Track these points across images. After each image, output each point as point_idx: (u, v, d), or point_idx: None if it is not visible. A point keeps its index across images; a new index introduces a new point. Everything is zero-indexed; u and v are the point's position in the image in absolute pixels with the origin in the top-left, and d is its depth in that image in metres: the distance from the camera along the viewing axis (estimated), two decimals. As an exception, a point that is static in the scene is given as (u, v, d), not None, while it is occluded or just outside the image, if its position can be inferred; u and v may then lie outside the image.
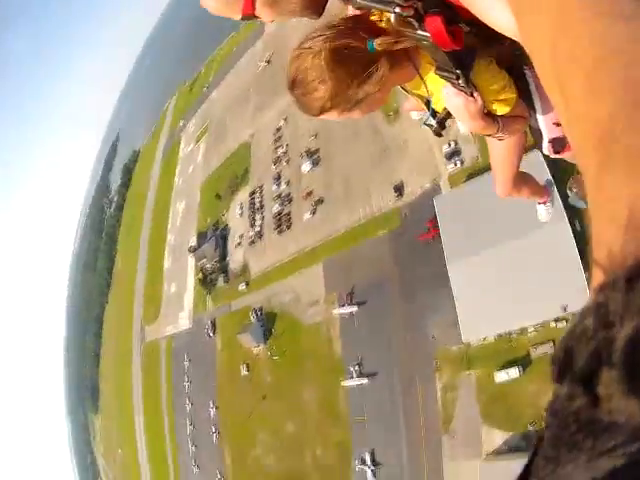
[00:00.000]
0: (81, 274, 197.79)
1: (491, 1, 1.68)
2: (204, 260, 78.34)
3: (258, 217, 67.29)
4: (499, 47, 2.35)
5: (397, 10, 1.99)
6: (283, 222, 61.61)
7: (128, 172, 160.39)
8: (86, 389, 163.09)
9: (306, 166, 59.04)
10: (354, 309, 47.66)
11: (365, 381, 45.50)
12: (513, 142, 3.16)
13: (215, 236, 76.72)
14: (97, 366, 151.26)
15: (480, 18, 1.79)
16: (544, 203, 4.80)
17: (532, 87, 2.82)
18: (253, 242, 67.15)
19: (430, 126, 2.92)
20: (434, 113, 2.86)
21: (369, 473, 43.42)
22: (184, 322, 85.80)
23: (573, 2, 0.64)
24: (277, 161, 66.50)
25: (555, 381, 0.42)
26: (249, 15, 2.30)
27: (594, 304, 0.41)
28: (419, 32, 2.06)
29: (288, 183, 62.91)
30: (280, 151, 66.26)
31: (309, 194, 57.86)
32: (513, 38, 1.58)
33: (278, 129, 67.86)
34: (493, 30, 1.92)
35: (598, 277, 0.43)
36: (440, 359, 38.39)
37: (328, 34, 2.32)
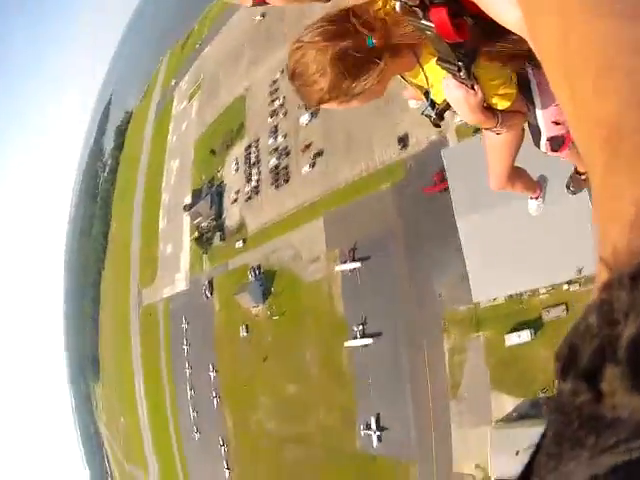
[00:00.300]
0: (77, 240, 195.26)
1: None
2: (200, 218, 75.14)
3: (254, 172, 64.01)
4: (503, 42, 2.31)
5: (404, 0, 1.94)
6: (281, 176, 58.25)
7: (121, 134, 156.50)
8: (86, 357, 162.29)
9: (304, 118, 55.35)
10: (357, 266, 44.40)
11: (369, 342, 42.76)
12: (510, 137, 3.18)
13: (210, 193, 73.49)
14: (96, 333, 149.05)
15: (486, 12, 1.74)
16: (536, 198, 5.19)
17: (533, 84, 2.85)
18: (250, 198, 63.97)
19: (429, 117, 2.92)
20: (433, 104, 2.86)
21: (374, 438, 41.24)
22: (181, 283, 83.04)
23: (581, 3, 0.63)
24: (274, 114, 62.86)
25: (559, 377, 0.42)
26: (260, 3, 2.38)
27: (598, 302, 0.41)
28: (423, 22, 2.07)
29: (285, 136, 59.47)
30: (277, 103, 62.66)
31: (308, 146, 54.34)
32: (518, 33, 1.60)
33: (274, 81, 64.02)
34: (498, 25, 1.93)
35: (602, 275, 0.43)
36: (448, 319, 35.63)
37: (329, 29, 2.34)
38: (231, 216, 68.73)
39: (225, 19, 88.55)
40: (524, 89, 2.85)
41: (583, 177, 5.19)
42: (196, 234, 76.46)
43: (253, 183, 63.76)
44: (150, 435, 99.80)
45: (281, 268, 55.85)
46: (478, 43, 2.27)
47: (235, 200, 67.82)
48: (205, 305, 71.88)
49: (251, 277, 59.80)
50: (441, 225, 35.46)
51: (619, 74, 0.53)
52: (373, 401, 41.92)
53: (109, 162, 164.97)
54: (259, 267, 59.68)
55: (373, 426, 41.40)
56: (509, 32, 1.97)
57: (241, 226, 65.17)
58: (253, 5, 2.36)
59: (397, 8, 2.12)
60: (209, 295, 71.16)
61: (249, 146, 67.06)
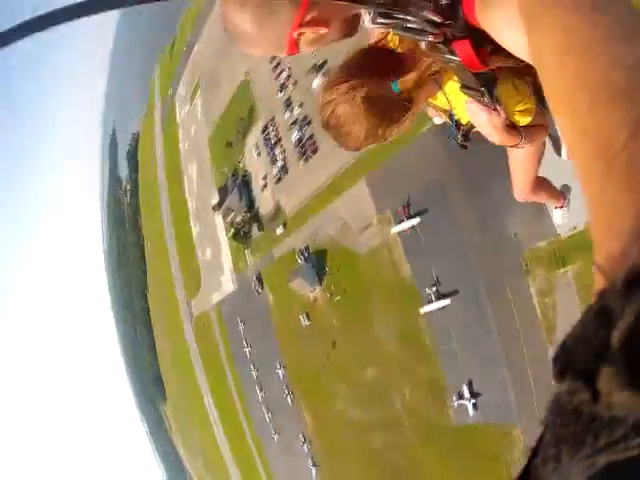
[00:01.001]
0: (116, 271, 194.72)
1: (507, 25, 1.67)
2: (232, 214, 70.53)
3: (278, 151, 59.20)
4: (520, 64, 2.20)
5: (430, 38, 2.00)
6: (307, 148, 53.41)
7: (133, 157, 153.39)
8: (150, 380, 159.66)
9: (317, 81, 49.89)
10: (415, 222, 38.71)
11: (446, 302, 37.41)
12: (532, 150, 3.28)
13: (237, 186, 68.73)
14: (155, 355, 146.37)
15: (498, 41, 1.79)
16: (560, 207, 4.98)
17: None
18: (280, 179, 59.15)
19: (455, 139, 3.11)
20: (457, 125, 3.00)
21: (470, 407, 36.54)
22: (228, 285, 78.59)
23: (578, 24, 0.68)
24: (283, 87, 58.15)
25: (556, 379, 0.42)
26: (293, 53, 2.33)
27: (594, 307, 0.42)
28: (448, 56, 2.09)
29: (301, 105, 54.61)
30: (283, 76, 58.03)
31: (329, 109, 48.38)
32: (526, 60, 1.62)
33: (274, 56, 58.07)
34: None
35: (598, 283, 0.45)
36: (529, 260, 30.04)
37: (355, 82, 2.38)
38: (264, 203, 64.07)
39: (206, 13, 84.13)
40: (544, 103, 2.85)
41: None
42: (232, 231, 71.83)
43: (279, 163, 59.09)
44: (228, 446, 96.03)
45: (331, 244, 50.95)
46: (498, 68, 2.26)
47: (264, 186, 63.14)
48: (258, 301, 67.35)
49: (301, 261, 55.16)
50: (498, 158, 29.95)
51: (614, 91, 0.55)
52: (462, 367, 37.01)
53: (128, 187, 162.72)
54: (307, 248, 54.89)
55: (466, 394, 36.73)
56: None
57: (278, 210, 60.53)
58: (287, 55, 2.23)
59: (422, 47, 2.09)
60: (260, 290, 66.60)
61: (265, 127, 62.52)
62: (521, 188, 3.86)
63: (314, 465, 61.53)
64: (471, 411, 36.55)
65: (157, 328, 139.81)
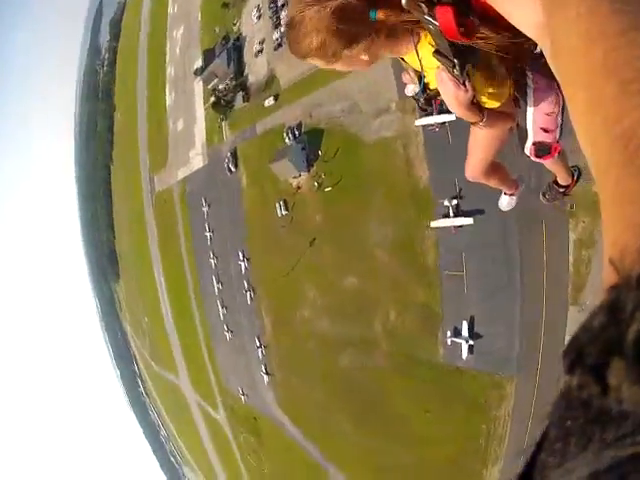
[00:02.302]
0: (84, 141, 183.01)
1: (519, 1, 1.55)
2: (215, 81, 60.75)
3: (284, 14, 48.72)
4: (506, 46, 2.27)
5: None
6: (320, 9, 42.25)
7: (116, 25, 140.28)
8: (105, 257, 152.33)
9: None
10: (447, 118, 28.45)
11: (467, 222, 30.01)
12: (494, 134, 3.14)
13: (227, 49, 58.72)
14: (112, 231, 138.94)
15: (503, 14, 1.63)
16: (510, 195, 4.68)
17: (530, 89, 2.85)
18: (280, 45, 49.22)
19: (417, 100, 2.96)
20: (424, 88, 2.85)
21: (464, 347, 30.80)
22: (197, 160, 69.69)
23: (607, 9, 0.65)
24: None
25: (566, 373, 0.42)
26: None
27: (606, 301, 0.41)
28: (427, 17, 2.03)
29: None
30: None
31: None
32: (534, 39, 1.51)
33: None
34: (502, 28, 1.98)
35: (611, 277, 0.43)
36: (577, 200, 21.96)
37: None
38: (256, 70, 54.35)
39: None
40: (521, 92, 2.84)
41: (562, 190, 4.92)
42: (212, 99, 61.93)
43: (283, 27, 48.58)
44: (176, 334, 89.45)
45: (331, 125, 41.75)
46: (477, 49, 2.21)
47: (260, 51, 53.54)
48: (229, 181, 58.34)
49: (289, 140, 45.90)
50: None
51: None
52: (466, 300, 30.68)
53: (107, 56, 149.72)
54: (299, 126, 45.59)
55: (464, 332, 30.70)
56: (514, 36, 1.96)
57: (271, 80, 51.02)
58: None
59: (403, 2, 2.00)
60: (233, 168, 57.43)
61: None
62: (472, 167, 3.50)
63: (267, 373, 54.55)
64: (465, 353, 30.74)
65: (117, 202, 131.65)
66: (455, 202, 30.26)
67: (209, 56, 63.02)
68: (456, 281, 30.89)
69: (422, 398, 33.49)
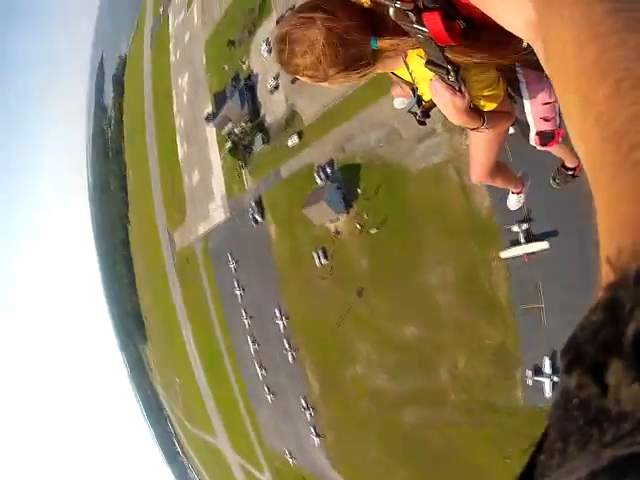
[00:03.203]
0: (98, 203, 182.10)
1: (507, 3, 1.50)
2: (229, 125, 55.23)
3: None
4: (494, 45, 2.27)
5: (397, 4, 1.94)
6: (337, 35, 36.68)
7: (118, 81, 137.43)
8: (130, 318, 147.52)
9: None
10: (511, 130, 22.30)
11: (541, 246, 25.25)
12: (492, 135, 3.10)
13: (238, 89, 53.28)
14: (135, 292, 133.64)
15: (490, 15, 1.59)
16: (517, 193, 4.63)
17: (522, 84, 2.87)
18: (297, 79, 42.45)
19: (414, 114, 2.90)
20: (420, 101, 2.81)
21: (547, 385, 26.15)
22: (218, 213, 63.98)
23: (599, 11, 0.65)
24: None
25: (564, 373, 0.41)
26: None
27: (603, 300, 0.40)
28: (416, 26, 2.02)
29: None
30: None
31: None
32: (524, 39, 1.43)
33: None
34: (489, 28, 1.93)
35: (608, 275, 0.43)
36: None
37: (339, 15, 2.23)
38: (274, 109, 48.81)
39: None
40: (514, 87, 2.85)
41: (570, 172, 4.81)
42: (229, 145, 56.44)
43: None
44: (211, 396, 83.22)
45: (368, 158, 35.90)
46: (468, 46, 2.18)
47: (275, 87, 48.12)
48: (256, 233, 52.40)
49: (321, 180, 40.19)
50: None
51: (634, 81, 0.53)
52: (546, 334, 25.25)
53: (113, 114, 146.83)
54: (331, 164, 39.74)
55: (546, 369, 25.84)
56: (501, 36, 1.81)
57: (291, 117, 45.44)
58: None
59: (391, 13, 1.99)
60: (259, 219, 51.65)
61: (282, 17, 46.60)
62: (477, 171, 3.46)
63: (317, 435, 48.47)
64: (548, 390, 25.50)
65: (137, 263, 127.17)
66: (525, 226, 25.47)
67: (220, 100, 57.88)
68: (533, 315, 25.84)
69: (500, 445, 28.09)
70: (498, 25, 1.49)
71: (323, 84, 2.45)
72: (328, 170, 39.49)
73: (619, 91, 0.53)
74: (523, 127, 3.29)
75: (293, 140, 44.35)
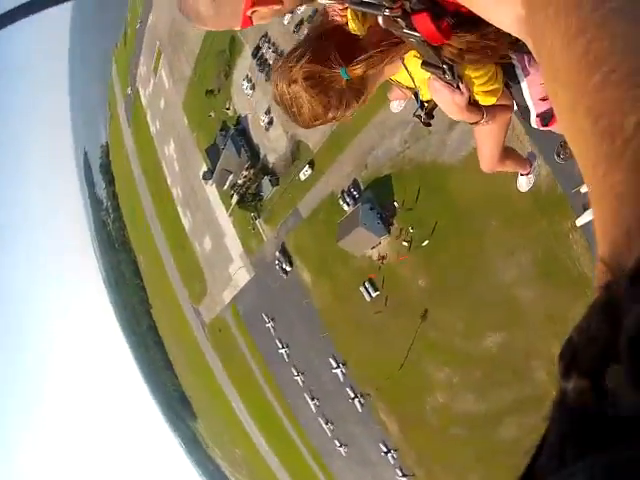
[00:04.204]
0: (117, 294, 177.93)
1: (493, 2, 1.51)
2: (230, 178, 50.60)
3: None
4: (485, 38, 2.17)
5: (386, 13, 1.87)
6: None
7: (106, 169, 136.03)
8: (174, 399, 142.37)
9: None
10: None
11: None
12: (498, 125, 3.06)
13: (230, 137, 48.76)
14: (174, 373, 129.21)
15: (477, 13, 1.60)
16: (527, 174, 4.68)
17: (518, 69, 2.84)
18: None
19: (419, 117, 2.86)
20: (422, 104, 2.79)
21: None
22: (241, 275, 58.85)
23: (587, 5, 0.63)
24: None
25: (561, 377, 0.40)
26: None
27: (599, 302, 0.39)
28: (407, 31, 1.95)
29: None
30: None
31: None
32: (514, 34, 1.47)
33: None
34: (478, 20, 1.78)
35: (603, 276, 0.41)
36: None
37: (304, 59, 2.16)
38: (274, 146, 44.26)
39: None
40: (509, 74, 2.81)
41: None
42: (234, 199, 51.86)
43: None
44: (277, 460, 76.52)
45: (397, 165, 30.92)
46: (461, 42, 2.11)
47: (269, 123, 43.83)
48: (288, 284, 47.18)
49: (349, 206, 35.10)
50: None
51: (626, 72, 0.51)
52: None
53: (109, 204, 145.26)
54: (356, 184, 34.67)
55: None
56: (490, 30, 1.95)
57: (296, 148, 40.82)
58: (241, 29, 2.13)
59: (380, 21, 1.93)
60: (287, 268, 46.48)
61: (257, 48, 44.35)
62: (487, 160, 3.43)
63: (404, 475, 42.24)
64: None
65: (169, 344, 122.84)
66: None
67: (213, 154, 53.44)
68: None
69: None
70: (485, 21, 1.43)
71: (343, 120, 2.31)
72: (354, 193, 34.42)
73: (609, 84, 0.52)
74: (523, 110, 3.11)
75: (305, 172, 39.44)
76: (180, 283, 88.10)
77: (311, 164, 38.45)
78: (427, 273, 31.29)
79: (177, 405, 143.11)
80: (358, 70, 2.15)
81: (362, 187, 33.80)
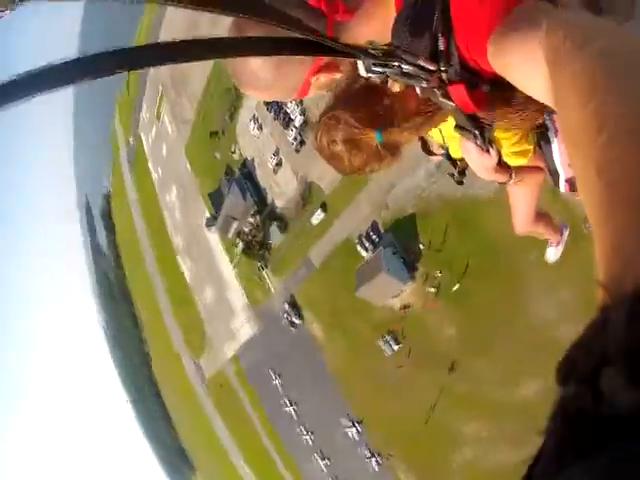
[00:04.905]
0: (117, 349, 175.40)
1: (528, 72, 1.45)
2: (235, 225, 47.10)
3: (291, 108, 37.92)
4: (518, 105, 2.10)
5: (424, 85, 1.87)
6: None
7: (108, 218, 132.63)
8: (174, 454, 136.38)
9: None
10: None
11: None
12: (529, 188, 3.18)
13: (234, 182, 45.37)
14: (174, 429, 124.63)
15: (512, 83, 1.57)
16: (555, 245, 4.54)
17: (551, 131, 2.85)
18: (302, 143, 36.90)
19: (452, 175, 2.97)
20: (454, 163, 2.81)
21: None
22: (245, 329, 55.02)
23: (599, 67, 0.70)
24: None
25: (559, 385, 0.41)
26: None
27: (597, 320, 0.41)
28: (442, 100, 1.91)
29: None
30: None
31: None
32: (544, 102, 1.40)
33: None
34: (513, 87, 1.75)
35: (603, 300, 0.43)
36: None
37: (342, 121, 2.09)
38: (282, 189, 40.93)
39: (159, 19, 64.04)
40: (542, 134, 2.82)
41: None
42: (239, 247, 48.25)
43: (297, 122, 36.95)
44: None
45: (422, 202, 27.98)
46: (495, 109, 2.06)
47: (278, 164, 40.59)
48: (297, 339, 43.44)
49: (367, 252, 31.60)
50: None
51: (624, 134, 0.56)
52: None
53: (110, 253, 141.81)
54: (375, 227, 31.29)
55: None
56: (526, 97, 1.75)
57: (307, 190, 37.37)
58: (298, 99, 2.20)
59: (417, 92, 1.93)
60: (297, 321, 42.65)
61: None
62: (520, 222, 3.49)
63: None
64: None
65: (169, 399, 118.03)
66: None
67: (217, 200, 49.87)
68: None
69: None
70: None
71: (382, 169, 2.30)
72: (374, 237, 31.05)
73: (612, 145, 0.56)
74: (553, 174, 3.06)
75: (317, 216, 36.03)
76: (180, 336, 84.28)
77: (324, 207, 35.18)
78: (456, 320, 28.04)
79: (175, 459, 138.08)
80: (395, 134, 2.08)
81: (382, 230, 30.52)
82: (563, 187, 3.09)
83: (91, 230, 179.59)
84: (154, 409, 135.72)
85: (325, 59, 1.91)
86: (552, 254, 4.60)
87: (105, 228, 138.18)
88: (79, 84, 0.95)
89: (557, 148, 2.86)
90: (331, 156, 2.14)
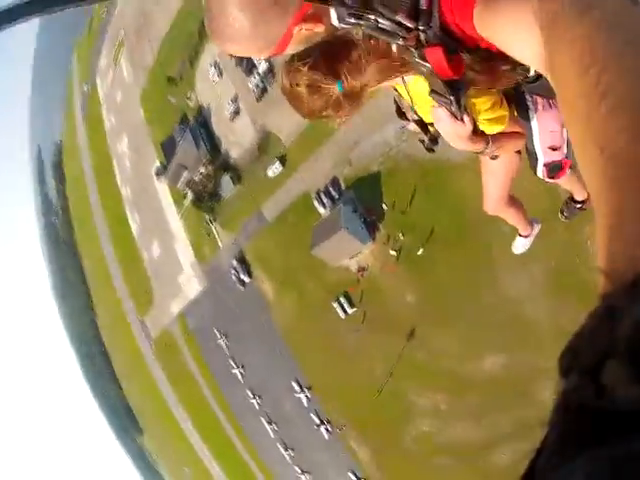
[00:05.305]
0: (62, 300, 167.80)
1: (516, 35, 1.44)
2: (185, 174, 44.60)
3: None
4: (498, 74, 2.19)
5: (400, 42, 1.90)
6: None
7: (58, 167, 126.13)
8: (121, 413, 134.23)
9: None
10: None
11: None
12: (505, 162, 3.06)
13: (189, 129, 42.87)
14: (119, 387, 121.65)
15: (500, 48, 1.58)
16: (525, 237, 4.46)
17: (531, 111, 2.77)
18: (264, 90, 34.86)
19: (422, 142, 2.82)
20: (425, 128, 2.71)
21: None
22: (191, 285, 52.81)
23: (597, 35, 0.68)
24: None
25: (561, 377, 0.41)
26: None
27: (599, 308, 0.40)
28: (418, 60, 1.94)
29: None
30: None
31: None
32: (535, 68, 1.56)
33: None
34: (493, 57, 1.92)
35: (604, 286, 0.43)
36: None
37: (307, 67, 2.14)
38: (238, 139, 38.61)
39: None
40: (523, 115, 2.74)
41: (578, 206, 4.53)
42: (189, 198, 45.84)
43: (261, 68, 34.91)
44: None
45: (389, 161, 26.18)
46: (472, 77, 2.10)
47: (236, 112, 38.47)
48: (245, 297, 41.45)
49: (325, 209, 29.75)
50: None
51: (630, 107, 0.54)
52: None
53: (58, 204, 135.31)
54: (335, 183, 29.37)
55: None
56: (505, 62, 1.95)
57: (265, 141, 35.21)
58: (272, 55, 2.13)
59: (393, 49, 1.98)
60: (246, 279, 40.65)
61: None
62: (492, 200, 3.41)
63: None
64: None
65: (114, 356, 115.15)
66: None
67: (169, 148, 47.19)
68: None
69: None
70: (503, 53, 1.43)
71: (339, 121, 2.31)
72: (333, 192, 29.03)
73: (614, 115, 0.54)
74: (530, 155, 3.00)
75: (275, 169, 33.90)
76: (126, 292, 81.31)
77: (282, 160, 33.02)
78: (418, 287, 26.40)
79: (124, 418, 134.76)
80: (356, 85, 2.11)
81: (343, 187, 28.61)
82: (541, 172, 2.99)
83: (41, 180, 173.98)
84: (102, 368, 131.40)
85: (310, 9, 1.79)
86: (520, 245, 4.49)
87: (54, 178, 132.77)
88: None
89: (537, 127, 2.72)
90: (292, 96, 2.13)
